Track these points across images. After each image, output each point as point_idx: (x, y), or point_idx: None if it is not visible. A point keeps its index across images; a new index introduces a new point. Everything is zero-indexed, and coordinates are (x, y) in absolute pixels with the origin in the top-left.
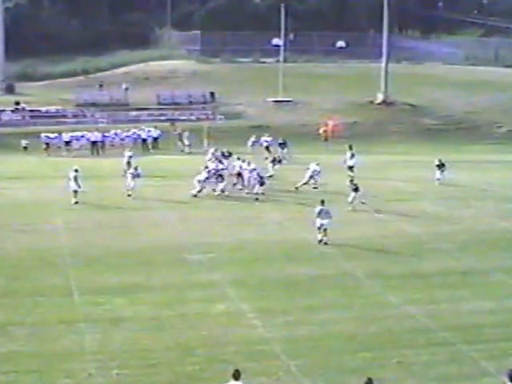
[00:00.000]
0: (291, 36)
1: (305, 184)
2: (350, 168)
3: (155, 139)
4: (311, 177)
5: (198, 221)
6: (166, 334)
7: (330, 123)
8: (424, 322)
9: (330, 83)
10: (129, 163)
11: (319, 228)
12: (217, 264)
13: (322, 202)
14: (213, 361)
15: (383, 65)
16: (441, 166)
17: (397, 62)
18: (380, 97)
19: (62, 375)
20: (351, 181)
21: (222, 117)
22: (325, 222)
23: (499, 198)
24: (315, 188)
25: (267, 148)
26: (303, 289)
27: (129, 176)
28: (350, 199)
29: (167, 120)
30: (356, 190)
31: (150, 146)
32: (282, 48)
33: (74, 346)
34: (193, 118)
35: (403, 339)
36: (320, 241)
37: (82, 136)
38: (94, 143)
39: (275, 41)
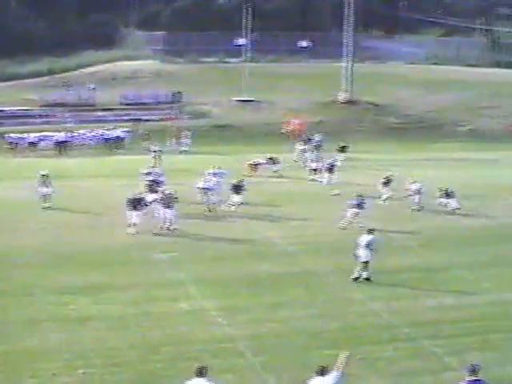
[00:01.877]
0: (255, 36)
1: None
2: (315, 171)
3: (119, 139)
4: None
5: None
6: (131, 332)
7: (295, 122)
8: (387, 318)
9: (294, 83)
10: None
11: (365, 262)
12: (181, 263)
13: (371, 232)
14: (177, 359)
15: (347, 64)
16: (448, 194)
17: (360, 61)
18: (343, 96)
19: (27, 375)
20: (360, 195)
21: (188, 116)
22: (368, 257)
23: (461, 195)
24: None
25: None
26: (267, 286)
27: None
28: (348, 216)
29: (133, 120)
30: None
31: (115, 146)
32: (246, 48)
33: (40, 346)
34: (158, 117)
35: (367, 335)
36: (356, 278)
37: (48, 136)
38: (59, 143)
39: (240, 41)
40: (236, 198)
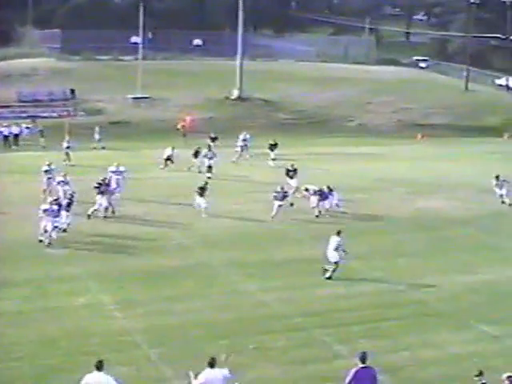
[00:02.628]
0: (150, 34)
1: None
2: (210, 168)
3: (16, 136)
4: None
5: None
6: (30, 327)
7: (188, 118)
8: (280, 308)
9: (187, 80)
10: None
11: (335, 262)
12: (77, 257)
13: (339, 233)
14: (75, 353)
15: (238, 62)
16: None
17: (251, 59)
18: (235, 93)
19: None
20: (282, 188)
21: (83, 113)
22: (335, 256)
23: (349, 188)
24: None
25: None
26: (163, 280)
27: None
28: (273, 212)
29: (28, 117)
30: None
31: (13, 143)
32: (140, 46)
33: None
34: (54, 114)
35: (260, 325)
36: (326, 275)
37: None
38: None
39: (134, 39)
40: (199, 200)
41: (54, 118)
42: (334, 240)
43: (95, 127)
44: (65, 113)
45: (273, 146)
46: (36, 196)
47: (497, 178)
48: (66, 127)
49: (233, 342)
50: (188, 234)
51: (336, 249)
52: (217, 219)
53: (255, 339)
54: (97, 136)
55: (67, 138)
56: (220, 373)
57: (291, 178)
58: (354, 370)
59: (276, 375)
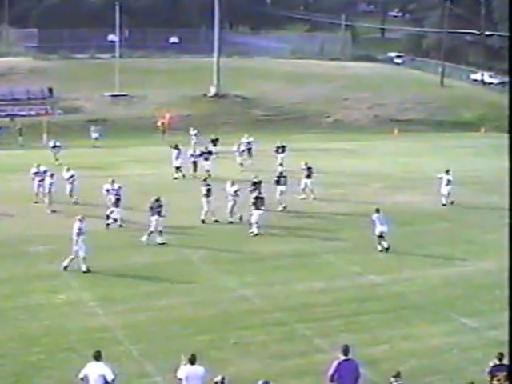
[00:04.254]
0: (126, 32)
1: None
2: (178, 168)
3: None
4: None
5: (37, 213)
6: (10, 325)
7: (167, 116)
8: (259, 303)
9: (164, 78)
10: None
11: (380, 236)
12: (57, 255)
13: (377, 211)
14: (56, 349)
15: (215, 59)
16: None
17: (228, 56)
18: (212, 90)
19: None
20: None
21: (61, 111)
22: (384, 229)
23: (326, 183)
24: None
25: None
26: (142, 276)
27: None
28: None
29: (6, 116)
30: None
31: None
32: (117, 44)
33: None
34: (32, 113)
35: (240, 321)
36: (387, 248)
37: None
38: None
39: (111, 37)
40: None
41: (32, 116)
42: (377, 216)
43: (90, 126)
44: (43, 111)
45: (280, 149)
46: (15, 195)
47: (447, 172)
48: (45, 126)
49: (213, 338)
50: (166, 230)
51: (385, 223)
52: (195, 216)
53: (235, 334)
54: (93, 135)
55: (50, 137)
56: (199, 369)
57: (307, 177)
58: (336, 362)
59: (256, 370)
